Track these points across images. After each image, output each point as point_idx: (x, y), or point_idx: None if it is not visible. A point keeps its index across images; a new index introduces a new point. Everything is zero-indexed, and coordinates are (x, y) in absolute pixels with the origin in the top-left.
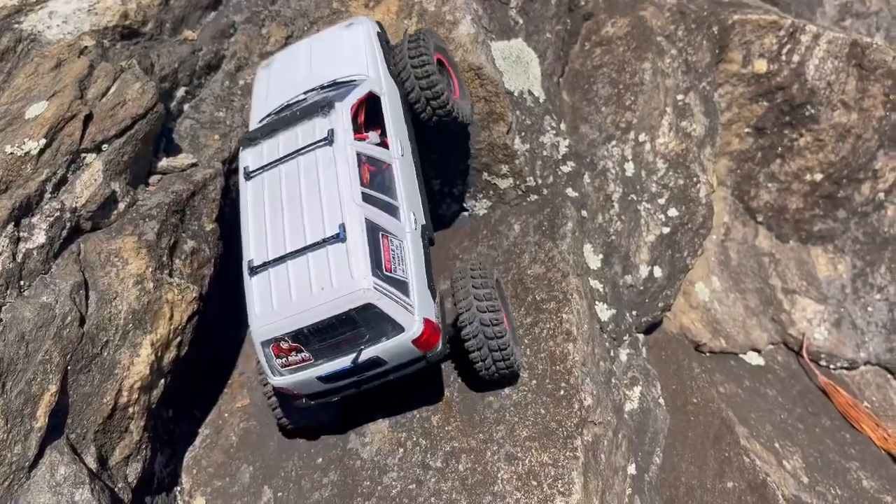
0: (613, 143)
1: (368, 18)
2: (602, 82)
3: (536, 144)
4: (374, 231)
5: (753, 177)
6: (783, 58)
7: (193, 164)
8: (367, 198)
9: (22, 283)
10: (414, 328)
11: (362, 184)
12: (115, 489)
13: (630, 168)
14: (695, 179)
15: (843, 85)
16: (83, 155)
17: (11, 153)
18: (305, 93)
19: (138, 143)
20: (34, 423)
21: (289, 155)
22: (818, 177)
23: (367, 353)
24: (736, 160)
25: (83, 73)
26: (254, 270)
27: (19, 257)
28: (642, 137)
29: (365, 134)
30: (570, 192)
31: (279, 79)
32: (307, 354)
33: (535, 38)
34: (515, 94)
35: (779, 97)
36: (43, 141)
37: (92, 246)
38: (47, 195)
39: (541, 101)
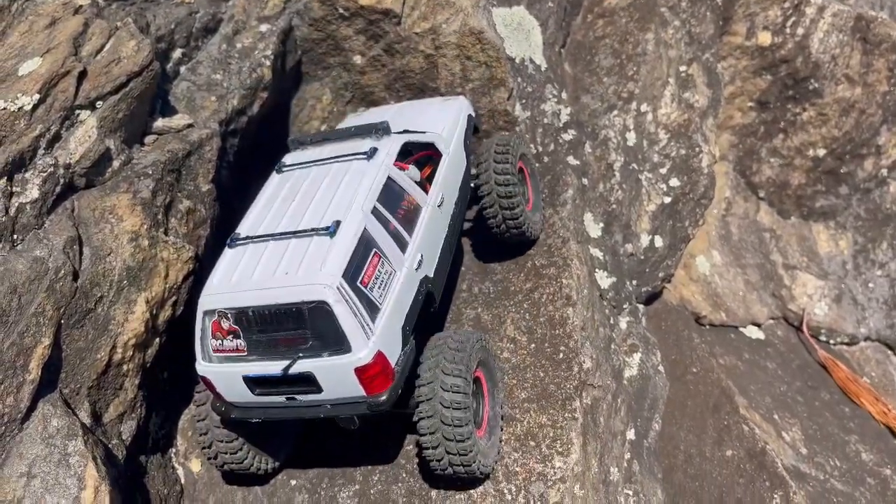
0: (615, 112)
1: (468, 100)
2: (604, 53)
3: (537, 112)
4: (368, 244)
5: (755, 151)
6: (787, 30)
7: (189, 125)
8: (377, 214)
9: (15, 236)
10: (362, 353)
11: (380, 201)
12: (109, 445)
13: (632, 138)
14: (697, 150)
15: (848, 59)
16: (77, 111)
17: (4, 108)
18: None
19: (133, 100)
20: (27, 376)
21: (326, 159)
22: (821, 152)
23: (303, 364)
24: (738, 134)
25: (78, 31)
26: (233, 242)
27: (12, 211)
28: (644, 107)
29: (406, 164)
30: (571, 160)
31: (364, 117)
32: (242, 343)
33: (536, 7)
34: (517, 60)
35: (782, 70)
36: (37, 96)
37: (86, 202)
38: (41, 151)
39: (542, 69)
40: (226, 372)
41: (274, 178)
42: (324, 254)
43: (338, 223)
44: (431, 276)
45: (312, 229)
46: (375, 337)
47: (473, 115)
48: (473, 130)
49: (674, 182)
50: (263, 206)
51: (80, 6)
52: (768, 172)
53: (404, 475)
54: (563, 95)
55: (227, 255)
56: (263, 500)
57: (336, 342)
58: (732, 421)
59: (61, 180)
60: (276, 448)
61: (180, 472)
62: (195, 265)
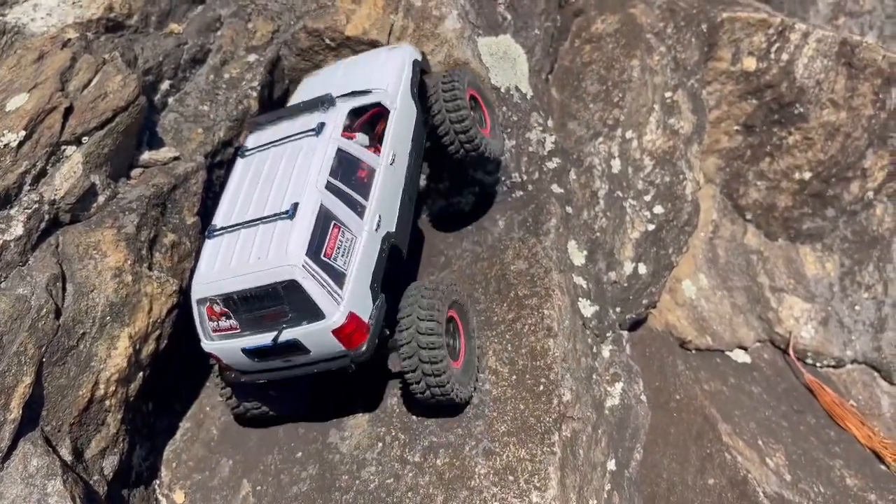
0: (600, 139)
1: (412, 46)
2: (591, 79)
3: (522, 140)
4: (326, 218)
5: (742, 174)
6: (772, 56)
7: (176, 158)
8: (331, 188)
9: None
10: (335, 317)
11: (333, 175)
12: (90, 481)
13: (616, 165)
14: (681, 177)
15: (833, 83)
16: (63, 147)
17: None
18: None
19: (119, 135)
20: (8, 415)
21: (282, 139)
22: (807, 175)
23: (288, 333)
24: (725, 158)
25: (65, 66)
26: (211, 233)
27: None
28: (630, 134)
29: (352, 134)
30: (555, 188)
31: (316, 85)
32: (235, 323)
33: (523, 35)
34: (502, 90)
35: (768, 95)
36: (22, 133)
37: (70, 238)
38: (26, 187)
39: (528, 97)
40: (226, 347)
41: (238, 164)
42: (287, 236)
43: (296, 205)
44: (393, 230)
45: (275, 214)
46: (345, 301)
47: (420, 58)
48: (422, 73)
49: (658, 209)
50: (232, 194)
51: (69, 40)
52: (755, 195)
53: None
54: (549, 123)
55: (208, 245)
56: None
57: (312, 312)
58: (715, 449)
59: (46, 216)
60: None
61: (164, 503)
62: (179, 298)
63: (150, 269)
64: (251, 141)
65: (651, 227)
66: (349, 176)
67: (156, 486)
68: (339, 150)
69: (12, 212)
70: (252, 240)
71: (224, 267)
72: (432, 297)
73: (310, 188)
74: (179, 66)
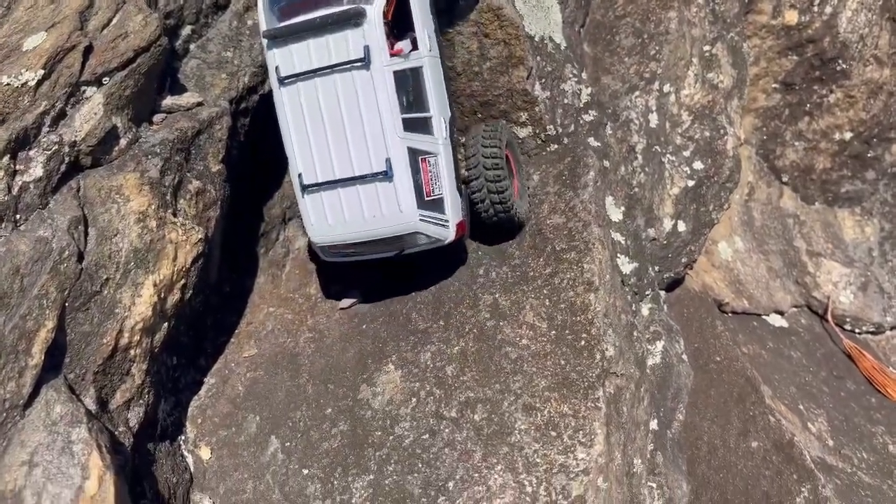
0: (637, 93)
1: None
2: (625, 33)
3: (557, 92)
4: (415, 159)
5: (780, 135)
6: (815, 9)
7: (199, 104)
8: (406, 123)
9: (18, 216)
10: (449, 238)
11: (402, 109)
12: (116, 432)
13: (654, 119)
14: (722, 132)
15: (877, 39)
16: (83, 88)
17: (8, 84)
18: None
19: (141, 77)
20: (29, 360)
21: (323, 69)
22: (847, 135)
23: (408, 251)
24: (762, 117)
25: (84, 5)
26: (306, 189)
27: (15, 190)
28: (667, 88)
29: (399, 48)
30: (592, 141)
31: None
32: (355, 250)
33: None
34: (536, 38)
35: (809, 51)
36: (41, 72)
37: (92, 182)
38: (45, 128)
39: (562, 48)
40: (348, 261)
41: (283, 95)
42: (394, 195)
43: (388, 162)
44: (450, 114)
45: (371, 175)
46: (450, 220)
47: None
48: None
49: (697, 165)
50: (297, 134)
51: None
52: (792, 156)
53: (420, 465)
54: (583, 75)
55: (307, 200)
56: (275, 488)
57: (429, 240)
58: (758, 411)
59: (66, 158)
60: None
61: (189, 460)
62: (205, 247)
63: (174, 215)
64: (279, 60)
65: (691, 182)
66: (410, 95)
67: (181, 442)
68: (396, 76)
69: (31, 153)
70: (356, 198)
71: (339, 221)
72: (493, 135)
73: (392, 138)
74: (201, 10)
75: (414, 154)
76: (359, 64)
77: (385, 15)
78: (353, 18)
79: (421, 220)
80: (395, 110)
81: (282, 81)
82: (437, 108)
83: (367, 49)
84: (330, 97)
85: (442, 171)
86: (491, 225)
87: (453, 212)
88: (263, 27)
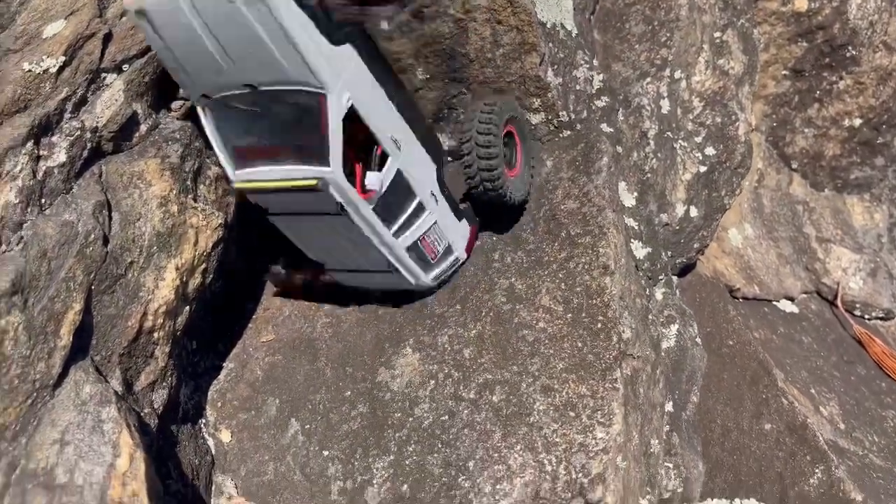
0: (648, 80)
1: None
2: (635, 20)
3: (570, 78)
4: (416, 248)
5: (789, 122)
6: None
7: None
8: (398, 232)
9: (43, 201)
10: (462, 258)
11: (390, 225)
12: (141, 413)
13: (665, 105)
14: (733, 118)
15: (886, 25)
16: (103, 74)
17: (30, 70)
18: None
19: (160, 64)
20: (58, 341)
21: (302, 214)
22: (857, 122)
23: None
24: (771, 104)
25: None
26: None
27: (40, 175)
28: (678, 74)
29: (371, 189)
30: (604, 127)
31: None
32: None
33: None
34: (548, 25)
35: (819, 37)
36: (62, 59)
37: (114, 167)
38: (67, 114)
39: (573, 34)
40: None
41: (273, 219)
42: (406, 278)
43: (390, 264)
44: (435, 166)
45: (381, 271)
46: (460, 250)
47: None
48: None
49: (709, 150)
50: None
51: None
52: (802, 143)
53: (439, 445)
54: (595, 62)
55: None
56: (296, 469)
57: (452, 271)
58: (771, 394)
59: (88, 144)
60: None
61: (210, 442)
62: (224, 232)
63: (195, 200)
64: (263, 202)
65: (703, 168)
66: (394, 203)
67: (202, 425)
68: (378, 205)
69: (54, 139)
70: (373, 281)
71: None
72: (489, 119)
73: (387, 251)
74: None
75: (414, 246)
76: (337, 216)
77: (345, 160)
78: (317, 189)
79: (435, 279)
80: (387, 236)
81: (266, 214)
82: (425, 188)
83: (340, 205)
84: (321, 230)
85: (441, 229)
86: (484, 202)
87: (461, 240)
88: (231, 175)
